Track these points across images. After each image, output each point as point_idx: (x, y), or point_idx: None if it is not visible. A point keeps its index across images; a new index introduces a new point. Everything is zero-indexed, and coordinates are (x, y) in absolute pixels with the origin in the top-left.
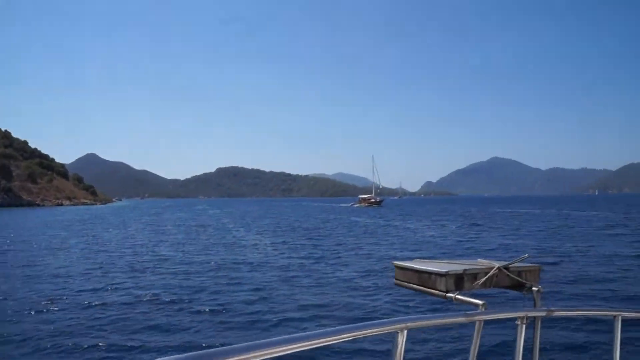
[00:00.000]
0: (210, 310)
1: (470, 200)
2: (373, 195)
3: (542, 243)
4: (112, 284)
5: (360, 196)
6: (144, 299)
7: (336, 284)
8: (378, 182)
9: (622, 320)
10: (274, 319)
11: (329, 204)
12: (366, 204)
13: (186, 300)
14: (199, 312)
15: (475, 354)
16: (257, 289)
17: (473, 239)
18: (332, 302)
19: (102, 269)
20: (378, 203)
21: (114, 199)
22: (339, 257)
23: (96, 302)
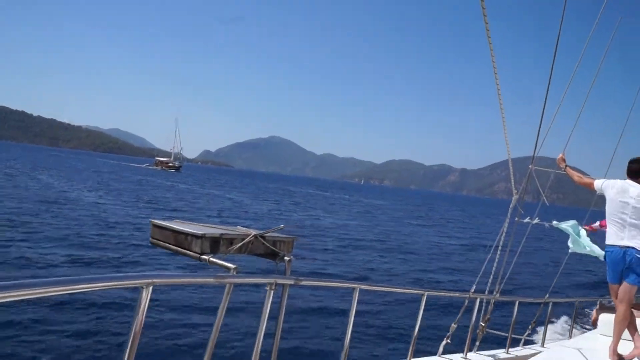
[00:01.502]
0: None
1: (256, 175)
2: (172, 159)
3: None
4: None
5: (157, 158)
6: None
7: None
8: (179, 146)
9: (360, 292)
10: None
11: (117, 161)
12: (164, 167)
13: None
14: None
15: (223, 315)
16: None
17: (314, 217)
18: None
19: None
20: (177, 168)
21: None
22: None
23: None
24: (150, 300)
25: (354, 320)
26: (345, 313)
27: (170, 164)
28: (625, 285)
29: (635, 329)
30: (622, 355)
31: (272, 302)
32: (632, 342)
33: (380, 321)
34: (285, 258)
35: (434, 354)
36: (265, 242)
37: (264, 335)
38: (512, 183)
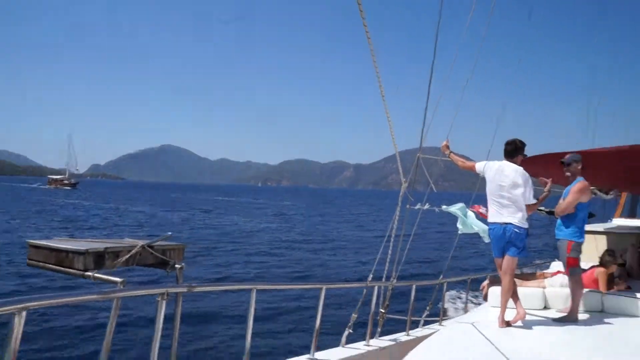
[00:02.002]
0: None
1: (153, 186)
2: (67, 176)
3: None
4: None
5: (50, 177)
6: None
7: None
8: (75, 162)
9: (258, 292)
10: None
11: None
12: (58, 186)
13: None
14: None
15: (113, 331)
16: None
17: (234, 223)
18: None
19: None
20: (73, 185)
21: None
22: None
23: None
24: (25, 327)
25: (255, 321)
26: (245, 315)
27: (65, 182)
28: (507, 258)
29: (517, 297)
30: (509, 322)
31: (167, 312)
32: (516, 309)
33: (282, 319)
34: (177, 266)
35: (337, 345)
36: (154, 252)
37: (160, 347)
38: (400, 172)
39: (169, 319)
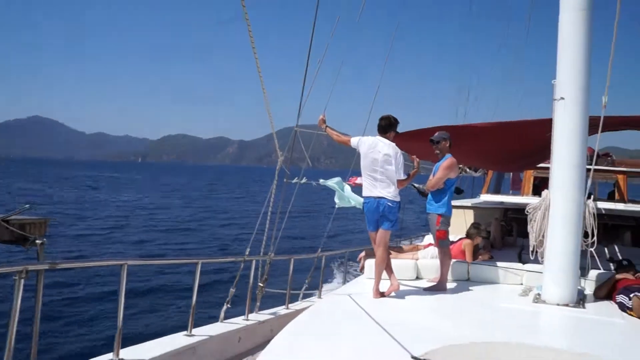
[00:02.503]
0: None
1: (25, 161)
2: None
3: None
4: None
5: None
6: None
7: None
8: None
9: (129, 268)
10: None
11: None
12: None
13: None
14: None
15: None
16: None
17: (134, 200)
18: None
19: None
20: None
21: None
22: None
23: None
24: None
25: (128, 299)
26: (112, 292)
27: None
28: (381, 231)
29: (391, 269)
30: (383, 292)
31: (27, 292)
32: (389, 280)
33: (158, 296)
34: (37, 241)
35: (216, 320)
36: (10, 227)
37: (19, 331)
38: (276, 145)
39: (29, 299)
